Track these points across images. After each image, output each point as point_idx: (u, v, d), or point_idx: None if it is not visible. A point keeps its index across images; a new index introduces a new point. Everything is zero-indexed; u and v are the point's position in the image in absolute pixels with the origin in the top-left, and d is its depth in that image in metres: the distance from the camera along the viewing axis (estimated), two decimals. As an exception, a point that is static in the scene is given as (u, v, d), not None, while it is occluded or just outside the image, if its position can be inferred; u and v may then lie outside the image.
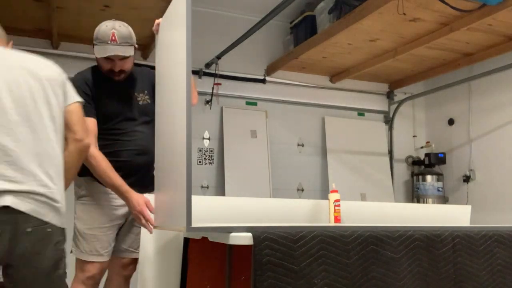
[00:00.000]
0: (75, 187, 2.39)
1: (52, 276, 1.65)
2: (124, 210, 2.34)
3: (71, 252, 2.32)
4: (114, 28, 2.24)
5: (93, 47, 2.29)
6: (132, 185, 2.30)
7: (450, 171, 5.06)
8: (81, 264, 2.30)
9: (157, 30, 2.16)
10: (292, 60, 4.59)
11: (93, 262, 2.28)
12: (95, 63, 2.40)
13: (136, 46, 2.35)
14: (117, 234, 2.40)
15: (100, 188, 2.31)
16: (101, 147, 2.29)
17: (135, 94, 2.42)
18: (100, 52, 2.25)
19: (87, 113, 2.19)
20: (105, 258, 2.32)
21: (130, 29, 2.33)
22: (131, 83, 2.41)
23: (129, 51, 2.26)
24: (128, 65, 2.33)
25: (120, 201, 2.30)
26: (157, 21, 2.16)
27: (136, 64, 2.46)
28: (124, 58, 2.28)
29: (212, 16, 4.64)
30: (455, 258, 1.93)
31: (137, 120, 2.40)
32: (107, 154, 2.28)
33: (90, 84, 2.33)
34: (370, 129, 5.28)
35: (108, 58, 2.27)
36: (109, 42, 2.22)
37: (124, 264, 2.45)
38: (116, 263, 2.42)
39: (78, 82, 2.25)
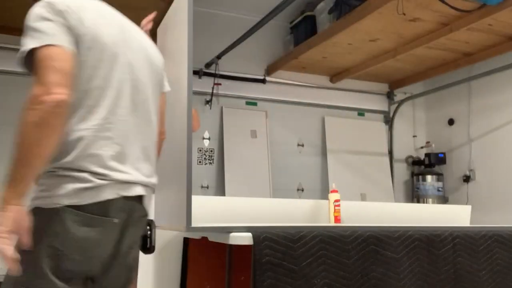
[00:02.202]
0: None
1: None
2: None
3: None
4: None
5: None
6: None
7: (450, 171, 5.06)
8: None
9: (146, 25, 2.14)
10: (292, 60, 4.59)
11: None
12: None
13: None
14: None
15: None
16: None
17: None
18: None
19: None
20: None
21: None
22: None
23: None
24: None
25: None
26: (149, 16, 2.15)
27: None
28: None
29: (212, 16, 4.63)
30: (455, 258, 1.93)
31: None
32: None
33: None
34: (370, 129, 5.27)
35: None
36: None
37: None
38: None
39: None
